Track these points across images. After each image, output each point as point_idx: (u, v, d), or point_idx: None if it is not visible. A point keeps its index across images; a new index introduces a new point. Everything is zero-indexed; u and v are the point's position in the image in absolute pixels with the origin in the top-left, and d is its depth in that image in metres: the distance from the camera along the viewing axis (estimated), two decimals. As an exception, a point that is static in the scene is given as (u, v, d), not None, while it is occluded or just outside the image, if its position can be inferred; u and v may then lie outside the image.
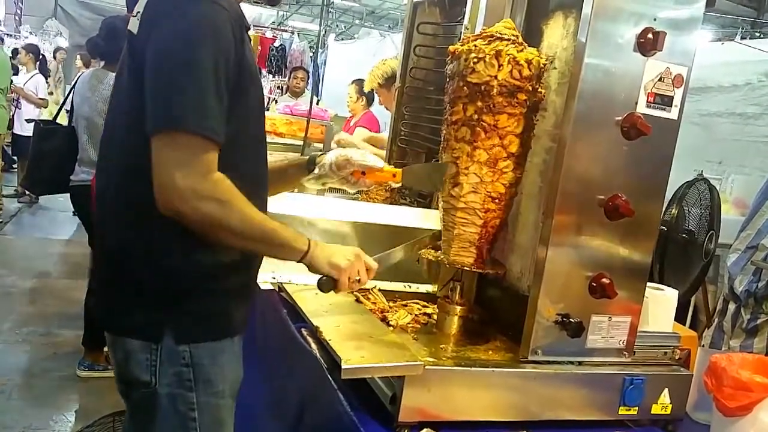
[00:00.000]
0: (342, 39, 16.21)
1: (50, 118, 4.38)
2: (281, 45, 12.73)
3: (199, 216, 1.33)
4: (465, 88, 1.65)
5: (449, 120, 1.71)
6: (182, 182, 1.29)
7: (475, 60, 1.63)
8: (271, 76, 11.76)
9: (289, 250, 1.47)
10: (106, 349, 3.81)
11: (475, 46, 1.64)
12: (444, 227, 1.77)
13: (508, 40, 1.66)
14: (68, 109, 3.83)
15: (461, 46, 1.69)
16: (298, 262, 1.49)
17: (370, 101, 5.38)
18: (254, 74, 1.49)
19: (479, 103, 1.65)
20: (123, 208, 1.47)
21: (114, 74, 3.43)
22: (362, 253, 1.59)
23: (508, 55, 1.63)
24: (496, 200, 1.73)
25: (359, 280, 1.57)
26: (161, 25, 1.35)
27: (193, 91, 1.30)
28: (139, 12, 1.43)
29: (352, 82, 5.55)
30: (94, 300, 1.59)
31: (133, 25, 1.44)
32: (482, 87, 1.63)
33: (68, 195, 3.77)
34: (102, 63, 3.78)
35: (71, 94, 3.79)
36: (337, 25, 18.46)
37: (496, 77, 1.63)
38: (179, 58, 1.32)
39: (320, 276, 1.54)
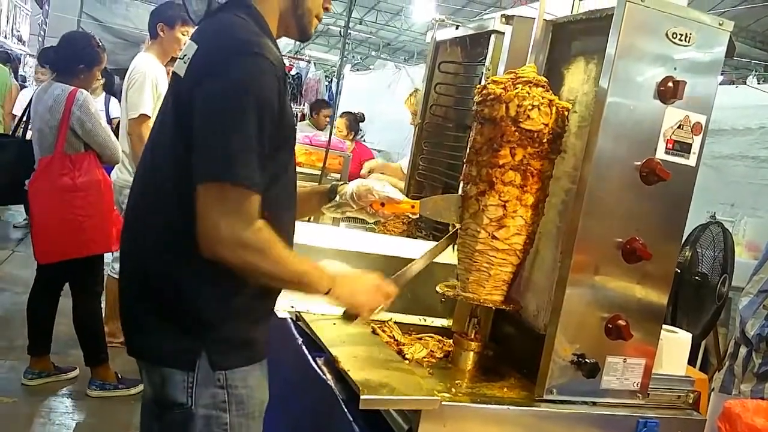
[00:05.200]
0: (357, 69, 16.41)
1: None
2: (297, 73, 12.91)
3: (239, 262, 1.42)
4: (517, 133, 1.69)
5: (493, 162, 1.72)
6: (226, 231, 1.38)
7: (530, 107, 1.67)
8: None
9: (315, 290, 1.55)
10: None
11: (528, 92, 1.69)
12: (475, 267, 1.78)
13: (543, 86, 1.71)
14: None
15: (506, 91, 1.71)
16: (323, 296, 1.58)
17: (356, 133, 5.56)
18: (292, 121, 1.55)
19: (530, 149, 1.69)
20: (157, 241, 1.52)
21: (60, 84, 3.50)
22: (382, 283, 1.67)
23: (558, 104, 1.70)
24: (533, 240, 1.78)
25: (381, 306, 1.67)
26: (210, 76, 1.41)
27: (238, 144, 1.37)
28: (186, 56, 1.49)
29: (342, 115, 5.67)
30: (125, 330, 1.62)
31: (180, 68, 1.50)
32: (535, 134, 1.68)
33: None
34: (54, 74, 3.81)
35: (29, 109, 3.84)
36: (353, 56, 18.69)
37: (547, 125, 1.68)
38: (226, 111, 1.38)
39: (345, 309, 1.65)
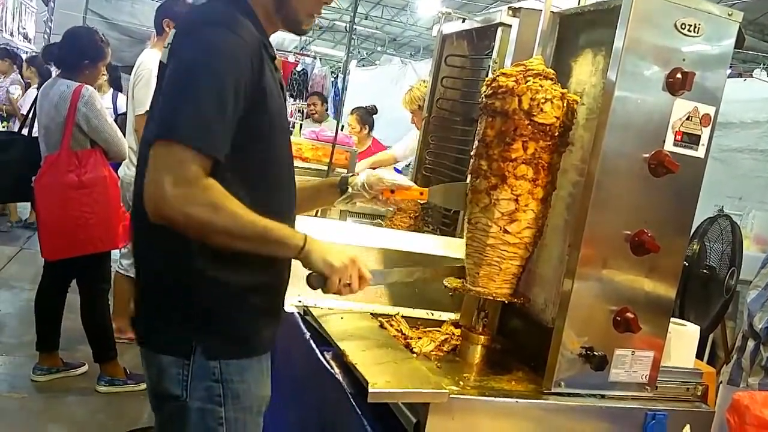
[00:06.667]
0: (363, 65, 16.41)
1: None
2: (303, 69, 12.91)
3: (190, 221, 1.34)
4: (530, 126, 1.68)
5: (505, 156, 1.71)
6: (171, 189, 1.31)
7: (543, 100, 1.66)
8: (292, 99, 11.91)
9: (285, 247, 1.47)
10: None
11: (541, 86, 1.68)
12: (486, 262, 1.77)
13: (552, 79, 1.70)
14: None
15: (518, 83, 1.70)
16: (295, 258, 1.50)
17: (371, 127, 5.49)
18: (273, 101, 1.50)
19: (541, 143, 1.69)
20: (154, 228, 1.50)
21: (66, 81, 3.50)
22: (359, 260, 1.58)
23: (568, 97, 1.69)
24: (542, 233, 1.78)
25: (350, 285, 1.56)
26: (178, 48, 1.45)
27: (192, 106, 1.35)
28: (169, 43, 1.51)
29: (352, 112, 5.61)
30: (136, 319, 1.64)
31: (164, 56, 1.52)
32: (547, 127, 1.68)
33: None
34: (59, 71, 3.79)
35: (34, 106, 3.84)
36: (359, 52, 18.69)
37: (559, 118, 1.68)
38: (184, 75, 1.39)
39: (311, 272, 1.54)
